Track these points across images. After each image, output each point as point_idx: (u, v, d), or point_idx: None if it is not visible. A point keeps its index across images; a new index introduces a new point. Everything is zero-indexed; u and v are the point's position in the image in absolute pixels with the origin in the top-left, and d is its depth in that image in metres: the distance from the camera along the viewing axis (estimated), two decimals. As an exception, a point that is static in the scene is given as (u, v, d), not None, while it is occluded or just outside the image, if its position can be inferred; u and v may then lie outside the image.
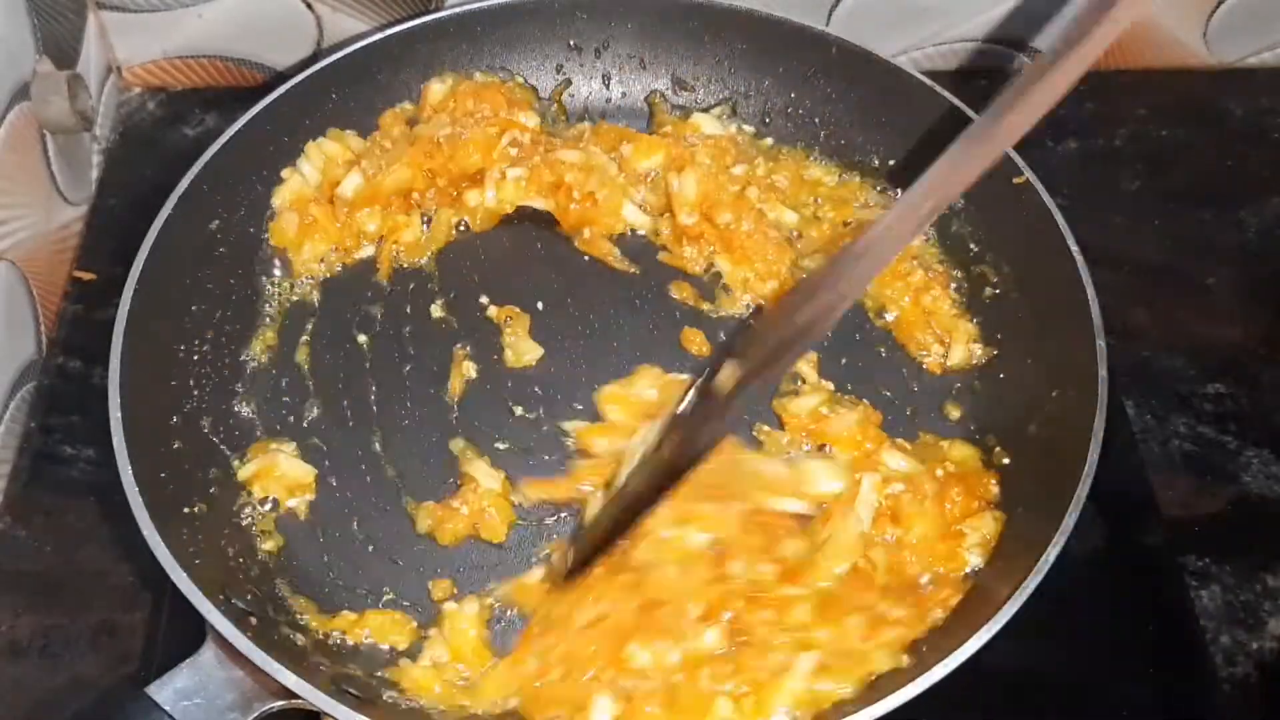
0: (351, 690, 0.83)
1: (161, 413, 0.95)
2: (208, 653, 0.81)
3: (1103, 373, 0.93)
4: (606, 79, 1.23)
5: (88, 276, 1.17)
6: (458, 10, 1.17)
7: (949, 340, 1.06)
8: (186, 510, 0.91)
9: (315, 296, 1.10)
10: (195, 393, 0.99)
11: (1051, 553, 0.84)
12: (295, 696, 0.79)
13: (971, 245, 1.10)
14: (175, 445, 0.94)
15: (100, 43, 1.27)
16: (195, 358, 1.01)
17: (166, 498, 0.89)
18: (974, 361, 1.06)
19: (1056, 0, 1.32)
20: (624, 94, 1.24)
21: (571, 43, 1.22)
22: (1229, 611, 1.00)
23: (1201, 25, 1.36)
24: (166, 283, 0.99)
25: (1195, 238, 1.25)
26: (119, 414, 0.89)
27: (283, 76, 1.28)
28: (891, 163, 1.17)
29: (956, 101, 1.10)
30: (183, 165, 1.03)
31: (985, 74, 1.37)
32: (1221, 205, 1.28)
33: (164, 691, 0.79)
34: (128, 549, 1.00)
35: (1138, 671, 0.95)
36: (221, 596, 0.83)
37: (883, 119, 1.17)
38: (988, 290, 1.08)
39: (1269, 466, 1.08)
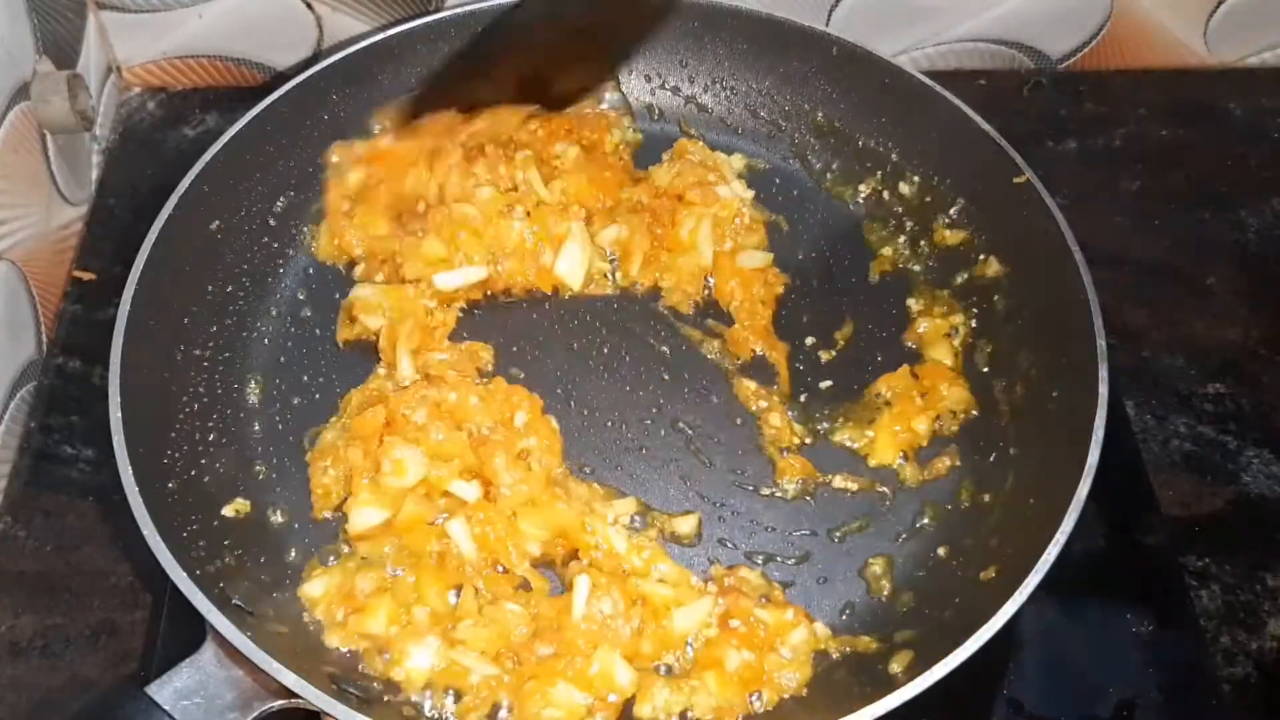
0: (351, 690, 0.83)
1: (162, 413, 0.95)
2: (208, 653, 0.81)
3: (1103, 373, 0.93)
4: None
5: (88, 276, 1.18)
6: (458, 10, 1.17)
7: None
8: (186, 510, 0.91)
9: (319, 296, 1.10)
10: (196, 392, 1.00)
11: (1052, 552, 0.84)
12: (295, 696, 0.79)
13: (972, 245, 1.11)
14: (175, 445, 0.95)
15: (100, 43, 1.27)
16: (195, 357, 1.01)
17: (166, 498, 0.89)
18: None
19: (1056, 0, 1.32)
20: (628, 92, 1.24)
21: (571, 43, 1.22)
22: (1229, 611, 1.00)
23: (1201, 25, 1.36)
24: (166, 283, 0.99)
25: (1195, 238, 1.25)
26: (119, 414, 0.89)
27: (283, 76, 1.28)
28: (892, 160, 1.17)
29: (957, 101, 1.10)
30: (183, 165, 1.03)
31: (985, 74, 1.38)
32: (1221, 205, 1.28)
33: (164, 691, 0.79)
34: (128, 549, 1.00)
35: (1138, 671, 0.95)
36: (221, 596, 0.83)
37: (883, 119, 1.17)
38: (988, 290, 1.08)
39: (1269, 466, 1.08)
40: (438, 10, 1.19)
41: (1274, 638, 0.99)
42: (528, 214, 1.09)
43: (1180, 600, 0.99)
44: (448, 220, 1.06)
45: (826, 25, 1.27)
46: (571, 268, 1.09)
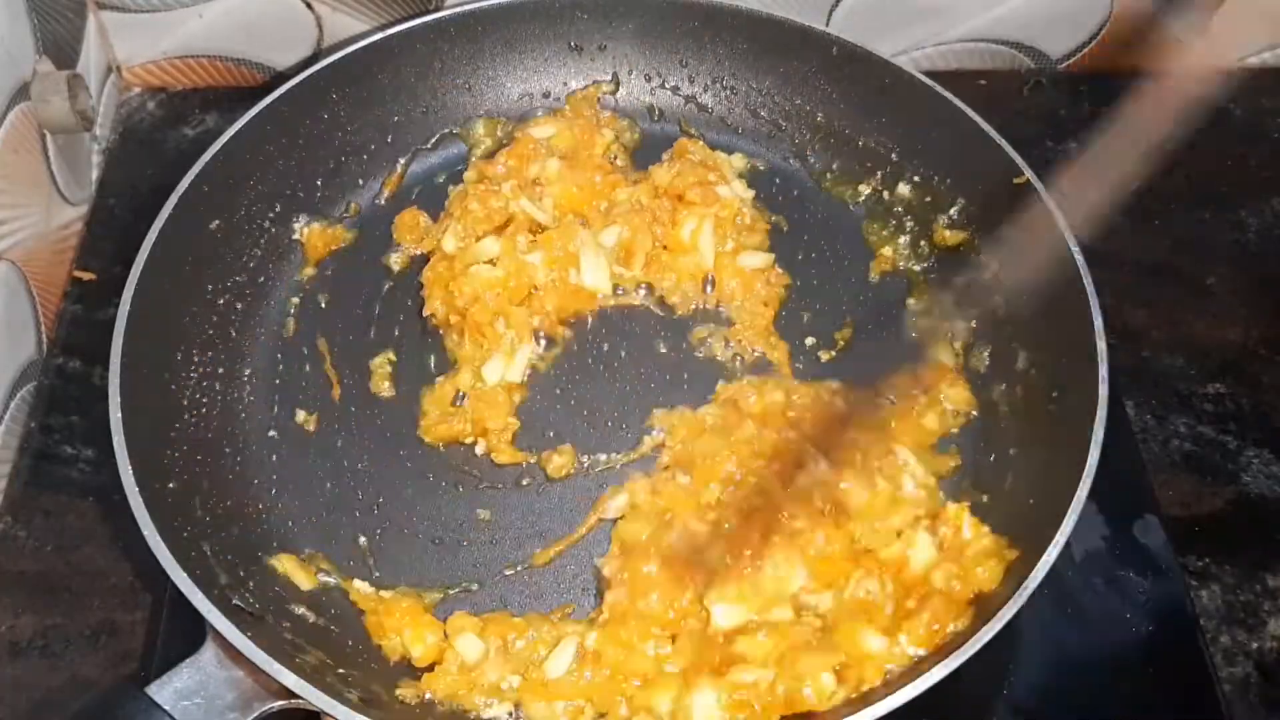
0: (352, 690, 0.83)
1: (162, 413, 0.95)
2: (208, 653, 0.81)
3: (1103, 373, 0.93)
4: (614, 79, 1.24)
5: (88, 276, 1.18)
6: (458, 10, 1.17)
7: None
8: (186, 510, 0.91)
9: (322, 297, 1.10)
10: (196, 395, 1.00)
11: (1052, 552, 0.84)
12: (295, 696, 0.78)
13: (972, 245, 1.11)
14: (175, 445, 0.95)
15: (100, 43, 1.27)
16: (195, 357, 1.01)
17: (166, 498, 0.89)
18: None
19: (1056, 1, 1.32)
20: (628, 92, 1.24)
21: (572, 43, 1.21)
22: (1229, 611, 1.00)
23: (1201, 25, 1.35)
24: (166, 283, 0.99)
25: (1195, 238, 1.25)
26: (119, 414, 0.88)
27: (283, 76, 1.28)
28: (892, 160, 1.17)
29: (956, 101, 1.10)
30: (183, 165, 1.03)
31: (985, 74, 1.38)
32: (1221, 205, 1.28)
33: (164, 692, 0.78)
34: (128, 549, 1.00)
35: (1138, 671, 0.95)
36: (221, 596, 0.83)
37: (883, 119, 1.17)
38: (988, 290, 1.08)
39: (1269, 466, 1.08)
40: (438, 10, 1.19)
41: (1274, 638, 0.99)
42: (532, 242, 1.09)
43: (1180, 600, 0.99)
44: (480, 304, 1.05)
45: (826, 25, 1.27)
46: (597, 277, 1.09)
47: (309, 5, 1.27)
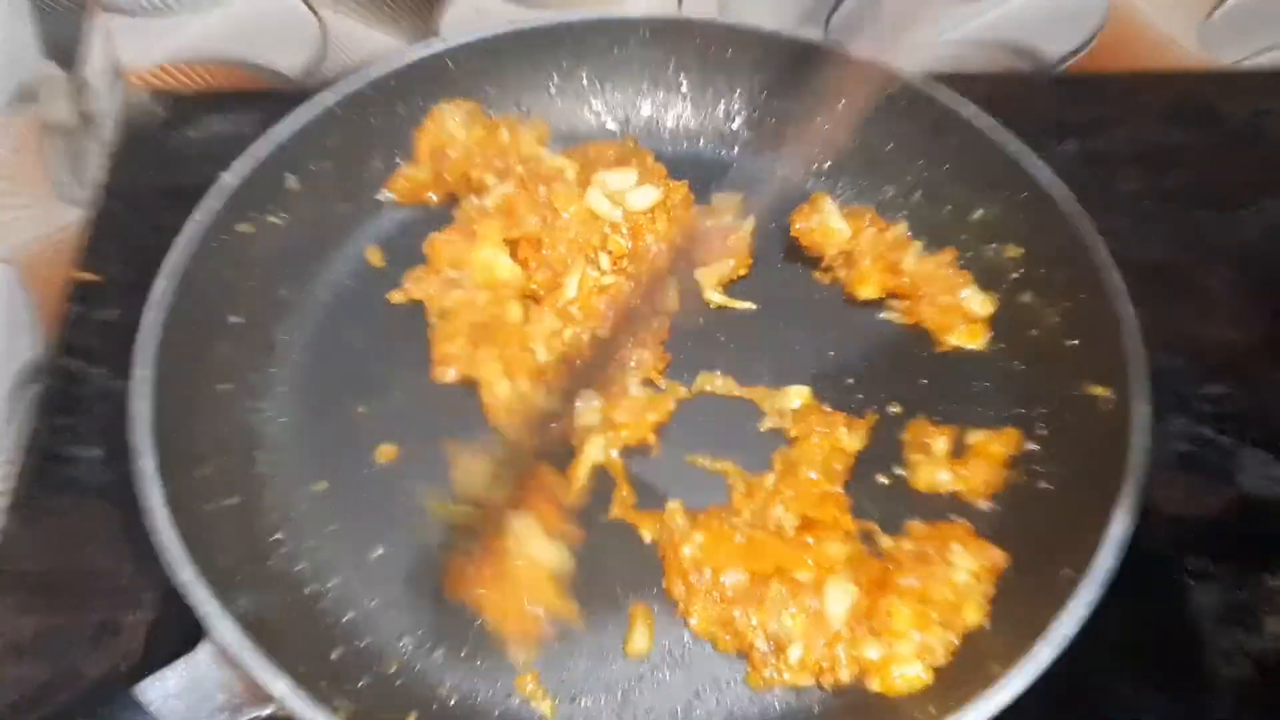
0: (347, 700, 0.83)
1: (188, 405, 0.96)
2: (202, 653, 0.81)
3: (1143, 407, 0.93)
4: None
5: (89, 277, 1.18)
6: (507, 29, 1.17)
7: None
8: (192, 509, 0.91)
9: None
10: (223, 385, 1.01)
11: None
12: (289, 700, 0.79)
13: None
14: (199, 439, 0.95)
15: (104, 45, 1.28)
16: (212, 361, 1.01)
17: (179, 493, 0.89)
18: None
19: (1056, 1, 1.32)
20: (607, 108, 1.24)
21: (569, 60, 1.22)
22: (1228, 611, 1.00)
23: (1199, 27, 1.36)
24: (196, 286, 0.99)
25: (1195, 238, 1.25)
26: (145, 413, 0.89)
27: (287, 80, 1.28)
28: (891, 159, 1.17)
29: (957, 104, 1.10)
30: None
31: (985, 75, 1.38)
32: (1221, 205, 1.28)
33: (153, 691, 0.79)
34: (130, 549, 1.00)
35: (1138, 671, 0.95)
36: (222, 596, 0.84)
37: (888, 129, 1.17)
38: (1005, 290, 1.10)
39: (1268, 467, 1.08)
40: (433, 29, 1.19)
41: (1273, 638, 0.99)
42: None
43: (1180, 600, 0.99)
44: None
45: (825, 30, 1.27)
46: None
47: (312, 9, 1.27)
